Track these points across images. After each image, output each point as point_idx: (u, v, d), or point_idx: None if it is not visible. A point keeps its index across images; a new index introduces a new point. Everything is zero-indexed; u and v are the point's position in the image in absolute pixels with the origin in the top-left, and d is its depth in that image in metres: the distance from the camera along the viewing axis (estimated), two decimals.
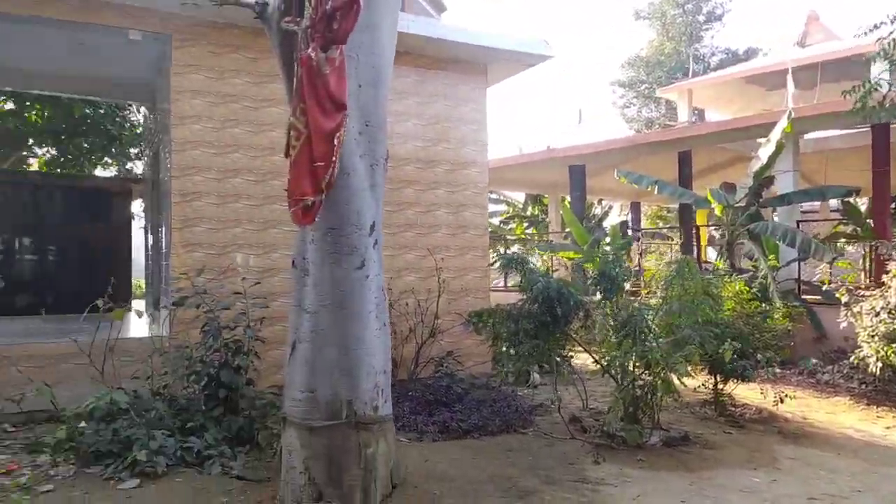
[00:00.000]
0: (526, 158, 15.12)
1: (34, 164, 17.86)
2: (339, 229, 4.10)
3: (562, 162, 14.46)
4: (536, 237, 20.53)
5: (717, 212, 10.09)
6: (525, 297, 5.63)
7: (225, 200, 7.04)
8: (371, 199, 4.26)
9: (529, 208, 22.43)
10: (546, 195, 20.05)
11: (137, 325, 7.98)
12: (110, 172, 18.63)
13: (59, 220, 10.22)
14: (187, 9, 6.53)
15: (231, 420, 5.26)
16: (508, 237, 21.12)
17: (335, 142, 3.77)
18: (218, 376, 5.28)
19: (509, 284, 16.44)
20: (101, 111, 16.82)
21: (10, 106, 15.66)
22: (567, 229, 18.82)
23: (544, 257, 16.83)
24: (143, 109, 16.82)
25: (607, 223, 20.93)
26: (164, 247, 7.79)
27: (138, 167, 19.06)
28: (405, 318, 7.49)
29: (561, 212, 18.70)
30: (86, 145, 17.98)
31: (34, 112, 16.14)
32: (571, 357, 8.31)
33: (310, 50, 3.68)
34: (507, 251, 11.28)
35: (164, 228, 7.98)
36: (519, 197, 22.72)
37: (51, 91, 11.41)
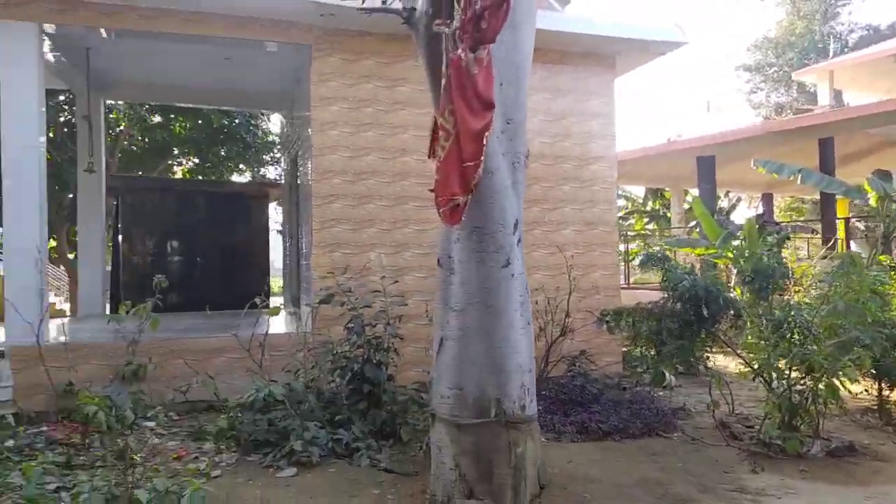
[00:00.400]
0: (650, 151, 14.56)
1: (178, 172, 19.45)
2: (484, 228, 4.12)
3: (687, 153, 13.81)
4: (658, 233, 19.76)
5: (873, 202, 9.23)
6: (667, 294, 5.41)
7: (360, 202, 7.30)
8: (514, 197, 4.26)
9: (650, 203, 21.63)
10: (668, 189, 19.25)
11: (278, 322, 8.46)
12: (244, 178, 19.89)
13: (206, 223, 11.01)
14: (325, 20, 6.84)
15: (375, 414, 5.44)
16: (628, 233, 20.48)
17: (483, 141, 3.78)
18: (362, 371, 5.48)
19: (632, 281, 15.94)
20: (237, 121, 18.05)
21: (157, 119, 17.17)
22: (691, 223, 17.97)
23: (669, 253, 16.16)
24: (273, 118, 17.87)
25: (735, 216, 19.77)
26: (303, 247, 8.20)
27: (270, 172, 20.27)
28: (535, 316, 7.42)
29: (684, 206, 17.89)
30: (223, 153, 19.38)
31: (178, 124, 17.62)
32: (709, 359, 7.93)
33: (459, 51, 3.72)
34: (643, 248, 10.90)
35: (302, 229, 8.41)
36: (638, 192, 21.97)
37: (196, 104, 12.36)
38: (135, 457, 4.86)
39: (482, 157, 3.81)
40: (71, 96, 12.45)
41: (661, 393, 7.04)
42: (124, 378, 6.16)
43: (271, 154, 20.08)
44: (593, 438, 5.48)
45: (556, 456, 4.97)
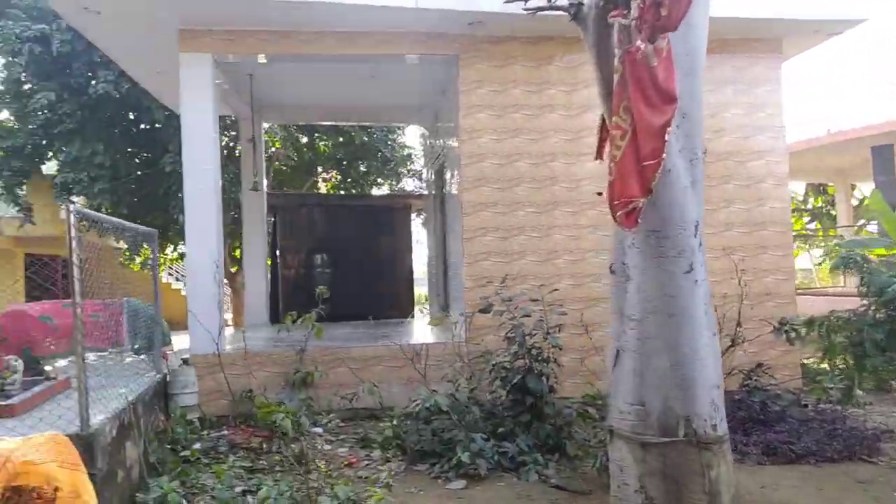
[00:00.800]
0: (814, 142, 13.27)
1: (322, 188, 20.48)
2: (662, 231, 3.82)
3: (860, 143, 12.43)
4: (821, 232, 17.99)
5: None
6: (869, 301, 4.78)
7: (509, 209, 7.19)
8: (693, 197, 3.92)
9: (811, 200, 19.78)
10: (832, 184, 17.50)
11: (428, 330, 8.54)
12: (383, 191, 20.55)
13: (354, 236, 11.41)
14: (473, 28, 6.82)
15: (538, 427, 5.26)
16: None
17: (665, 137, 3.51)
18: (524, 383, 5.32)
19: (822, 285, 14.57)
20: (376, 137, 18.73)
21: (304, 139, 18.20)
22: (860, 221, 16.17)
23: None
24: (407, 131, 18.24)
25: None
26: (451, 256, 8.21)
27: (407, 184, 20.83)
28: None
29: (853, 202, 16.17)
30: (363, 168, 20.19)
31: (322, 143, 18.58)
32: None
33: (636, 42, 3.49)
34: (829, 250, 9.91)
35: (449, 239, 8.43)
36: (797, 187, 20.17)
37: (341, 122, 12.89)
38: (312, 463, 5.04)
39: (663, 156, 3.53)
40: (231, 121, 13.47)
41: (852, 412, 6.28)
42: (294, 385, 6.44)
43: (408, 167, 20.66)
44: (783, 461, 4.95)
45: (746, 480, 4.53)
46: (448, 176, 8.47)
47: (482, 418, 5.37)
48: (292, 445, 5.29)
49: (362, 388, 6.12)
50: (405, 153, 20.40)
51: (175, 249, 18.16)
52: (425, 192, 12.32)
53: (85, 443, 3.71)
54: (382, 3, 6.41)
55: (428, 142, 11.04)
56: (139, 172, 12.75)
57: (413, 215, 14.43)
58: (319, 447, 5.51)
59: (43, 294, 19.14)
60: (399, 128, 19.67)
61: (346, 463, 5.15)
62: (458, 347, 6.44)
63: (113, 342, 6.73)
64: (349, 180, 19.96)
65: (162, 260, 19.66)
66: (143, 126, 12.93)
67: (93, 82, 11.49)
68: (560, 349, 5.71)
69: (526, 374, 5.37)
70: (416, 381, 6.43)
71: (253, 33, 6.82)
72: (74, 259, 3.84)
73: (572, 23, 4.07)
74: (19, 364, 4.81)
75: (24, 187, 13.51)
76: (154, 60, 7.43)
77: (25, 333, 6.26)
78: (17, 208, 13.53)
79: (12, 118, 13.83)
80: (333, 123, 14.47)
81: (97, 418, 4.03)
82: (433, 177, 9.91)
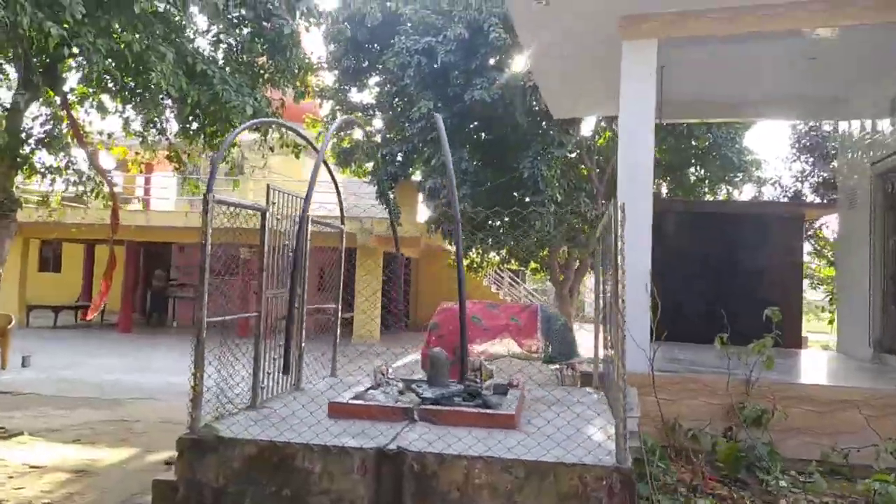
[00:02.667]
0: None
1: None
2: None
3: None
4: None
5: None
6: None
7: None
8: None
9: None
10: None
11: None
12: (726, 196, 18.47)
13: (733, 248, 10.01)
14: None
15: None
16: None
17: None
18: None
19: None
20: (719, 138, 16.95)
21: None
22: None
23: None
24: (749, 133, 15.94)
25: None
26: None
27: (748, 191, 18.58)
28: None
29: None
30: (699, 173, 18.46)
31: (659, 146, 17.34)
32: None
33: None
34: None
35: None
36: None
37: (747, 118, 11.42)
38: None
39: None
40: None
41: None
42: (745, 422, 5.43)
43: (756, 172, 18.37)
44: None
45: None
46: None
47: None
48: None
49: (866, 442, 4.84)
50: (750, 157, 18.19)
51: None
52: (835, 199, 10.36)
53: (625, 480, 3.16)
54: None
55: (864, 134, 8.99)
56: (500, 180, 13.02)
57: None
58: None
59: (391, 288, 21.28)
60: (739, 129, 17.59)
61: None
62: None
63: (528, 348, 6.48)
64: (680, 188, 18.46)
65: (486, 263, 20.43)
66: (506, 133, 13.16)
67: (468, 91, 11.98)
68: None
69: None
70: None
71: (699, 14, 6.00)
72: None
73: None
74: (493, 368, 4.61)
75: (394, 191, 14.79)
76: (589, 52, 7.10)
77: (458, 334, 6.29)
78: (387, 209, 14.88)
79: (386, 128, 15.37)
80: (726, 121, 13.20)
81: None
82: (870, 184, 7.94)
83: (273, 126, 8.05)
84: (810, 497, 4.76)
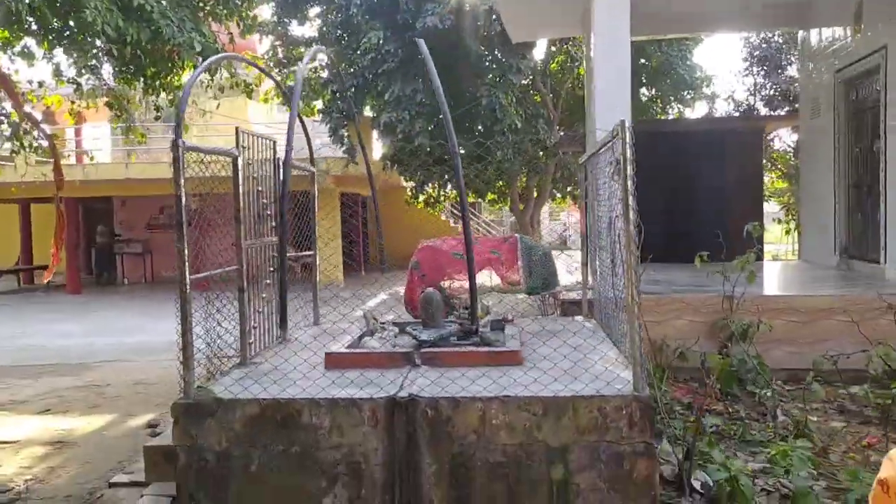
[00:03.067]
0: None
1: None
2: None
3: None
4: None
5: None
6: None
7: None
8: None
9: None
10: None
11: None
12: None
13: (695, 166, 10.04)
14: None
15: None
16: None
17: None
18: None
19: None
20: (670, 56, 16.84)
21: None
22: None
23: None
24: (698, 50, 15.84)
25: None
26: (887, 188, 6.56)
27: (700, 110, 18.70)
28: None
29: None
30: (650, 93, 18.42)
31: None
32: None
33: None
34: None
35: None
36: None
37: (722, 31, 11.12)
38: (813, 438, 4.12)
39: None
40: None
41: None
42: (732, 338, 5.52)
43: (707, 89, 18.45)
44: None
45: None
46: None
47: None
48: (778, 415, 4.41)
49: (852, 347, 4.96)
50: (701, 74, 18.20)
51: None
52: (790, 110, 10.43)
53: (644, 407, 3.12)
54: None
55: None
56: (459, 111, 12.67)
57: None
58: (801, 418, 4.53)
59: (350, 230, 20.89)
60: (690, 46, 17.52)
61: (864, 444, 4.12)
62: None
63: (510, 280, 6.39)
64: (631, 108, 18.41)
65: (443, 198, 20.19)
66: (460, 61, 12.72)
67: (419, 18, 11.44)
68: None
69: None
70: (877, 340, 5.15)
71: None
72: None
73: None
74: (490, 304, 4.49)
75: (347, 128, 14.28)
76: None
77: (441, 270, 6.13)
78: (342, 149, 14.40)
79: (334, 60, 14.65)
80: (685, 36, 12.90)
81: (624, 373, 3.45)
82: (834, 92, 7.94)
83: (222, 64, 7.49)
84: (799, 404, 4.92)
